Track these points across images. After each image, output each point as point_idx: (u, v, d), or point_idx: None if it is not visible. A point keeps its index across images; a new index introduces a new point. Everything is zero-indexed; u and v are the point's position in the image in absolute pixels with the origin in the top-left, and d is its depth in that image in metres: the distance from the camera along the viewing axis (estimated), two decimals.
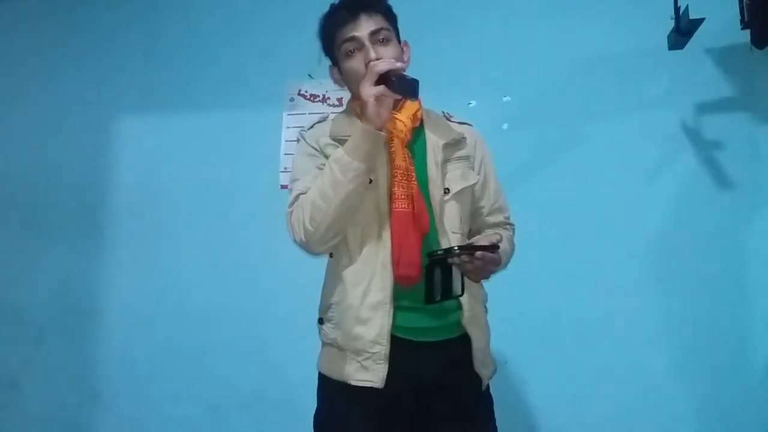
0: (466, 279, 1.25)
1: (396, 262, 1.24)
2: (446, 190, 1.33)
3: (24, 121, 2.73)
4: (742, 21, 1.97)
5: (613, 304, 2.07)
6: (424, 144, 1.35)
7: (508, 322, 2.13)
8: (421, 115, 1.36)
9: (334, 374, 1.29)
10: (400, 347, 1.25)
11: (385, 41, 1.29)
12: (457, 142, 1.38)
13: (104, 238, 2.58)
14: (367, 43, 1.27)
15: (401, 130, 1.28)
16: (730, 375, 1.97)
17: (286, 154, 2.44)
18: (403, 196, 1.26)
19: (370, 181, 1.26)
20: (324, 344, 1.36)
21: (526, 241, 2.14)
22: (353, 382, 1.24)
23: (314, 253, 1.32)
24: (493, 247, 1.20)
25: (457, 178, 1.35)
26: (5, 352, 2.58)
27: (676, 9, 1.89)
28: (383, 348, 1.23)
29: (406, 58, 1.35)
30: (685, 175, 2.09)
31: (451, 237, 1.31)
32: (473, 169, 1.41)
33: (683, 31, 1.87)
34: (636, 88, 2.17)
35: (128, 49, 2.68)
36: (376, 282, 1.25)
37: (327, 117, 1.42)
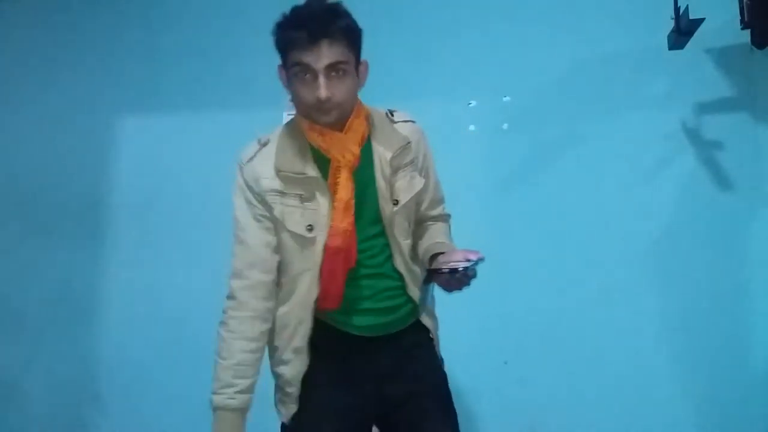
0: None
1: (323, 297, 1.24)
2: (395, 202, 1.30)
3: (24, 121, 2.73)
4: (742, 21, 1.97)
5: (613, 304, 2.07)
6: (371, 157, 1.30)
7: (508, 322, 2.14)
8: (367, 131, 1.30)
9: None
10: (358, 344, 1.29)
11: (341, 74, 1.19)
12: (402, 150, 1.32)
13: (104, 238, 2.57)
14: (321, 78, 1.17)
15: (349, 160, 1.23)
16: (730, 375, 1.97)
17: None
18: (338, 232, 1.22)
19: (310, 228, 1.24)
20: None
21: (527, 240, 2.16)
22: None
23: None
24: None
25: (405, 187, 1.32)
26: (5, 352, 2.58)
27: (676, 9, 1.89)
28: (295, 390, 1.28)
29: (362, 81, 1.29)
30: (685, 175, 2.09)
31: (402, 245, 1.32)
32: (418, 171, 1.38)
33: (683, 31, 1.88)
34: (636, 88, 2.17)
35: (128, 49, 2.68)
36: (300, 329, 1.26)
37: (267, 141, 1.34)
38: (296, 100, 1.25)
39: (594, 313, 2.08)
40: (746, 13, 1.94)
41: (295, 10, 1.19)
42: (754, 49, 2.02)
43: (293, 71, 1.20)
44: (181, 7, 2.67)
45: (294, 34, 1.17)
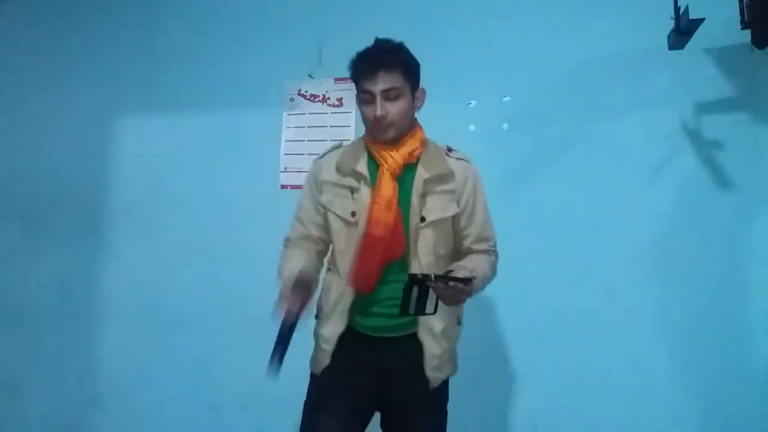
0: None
1: (354, 277, 1.47)
2: (422, 219, 1.48)
3: (24, 121, 2.74)
4: (742, 21, 1.96)
5: (613, 304, 2.07)
6: (413, 177, 1.51)
7: (508, 322, 2.14)
8: (419, 153, 1.53)
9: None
10: (367, 341, 1.52)
11: (395, 98, 1.47)
12: (440, 177, 1.51)
13: (104, 238, 2.58)
14: (378, 99, 1.45)
15: (391, 165, 1.48)
16: (730, 375, 1.97)
17: (286, 154, 2.44)
18: (380, 222, 1.44)
19: (353, 214, 1.48)
20: None
21: (527, 241, 2.16)
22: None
23: None
24: (466, 281, 1.31)
25: (435, 208, 1.51)
26: (5, 352, 2.58)
27: (676, 9, 1.89)
28: (330, 347, 1.52)
29: (418, 105, 1.56)
30: (685, 175, 2.09)
31: (422, 259, 1.48)
32: (457, 203, 1.54)
33: (683, 31, 1.87)
34: (636, 87, 2.17)
35: (128, 48, 2.69)
36: (343, 299, 1.50)
37: (341, 144, 1.63)
38: (363, 120, 1.53)
39: (594, 312, 2.08)
40: (746, 13, 1.94)
41: (365, 49, 1.51)
42: (754, 49, 2.02)
43: (361, 97, 1.51)
44: (181, 7, 2.68)
45: (360, 67, 1.50)
